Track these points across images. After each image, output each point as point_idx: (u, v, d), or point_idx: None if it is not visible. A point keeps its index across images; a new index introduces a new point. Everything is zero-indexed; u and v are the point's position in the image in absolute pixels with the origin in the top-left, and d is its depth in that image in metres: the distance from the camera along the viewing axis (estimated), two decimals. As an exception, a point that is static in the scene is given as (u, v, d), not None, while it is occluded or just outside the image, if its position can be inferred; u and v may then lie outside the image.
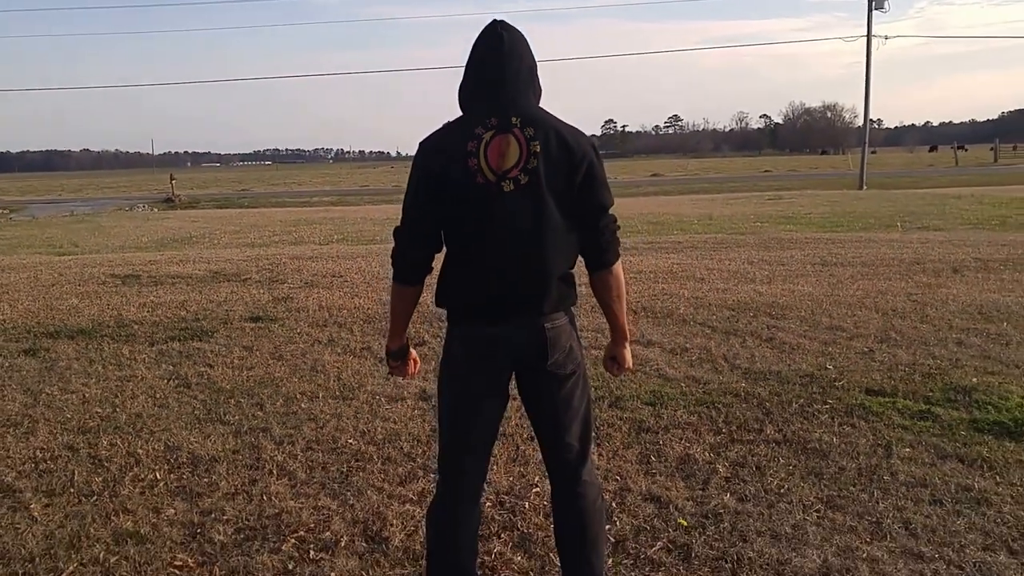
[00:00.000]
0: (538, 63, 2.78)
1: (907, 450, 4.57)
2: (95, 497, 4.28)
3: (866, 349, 6.64)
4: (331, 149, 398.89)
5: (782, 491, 4.12)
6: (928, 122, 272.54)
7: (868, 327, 7.36)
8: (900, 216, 20.05)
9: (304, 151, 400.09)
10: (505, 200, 2.62)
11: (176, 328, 7.84)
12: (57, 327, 7.96)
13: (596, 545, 2.93)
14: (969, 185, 35.49)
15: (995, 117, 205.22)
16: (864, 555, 3.48)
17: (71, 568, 3.58)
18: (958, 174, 51.25)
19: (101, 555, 3.68)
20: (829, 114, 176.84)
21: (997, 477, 4.21)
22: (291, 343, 7.24)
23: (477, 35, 2.74)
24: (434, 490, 3.04)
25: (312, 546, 3.74)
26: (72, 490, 4.37)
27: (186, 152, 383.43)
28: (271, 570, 3.55)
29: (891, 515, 3.82)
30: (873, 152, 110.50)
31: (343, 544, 3.74)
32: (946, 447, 4.59)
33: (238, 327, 7.86)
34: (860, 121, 45.96)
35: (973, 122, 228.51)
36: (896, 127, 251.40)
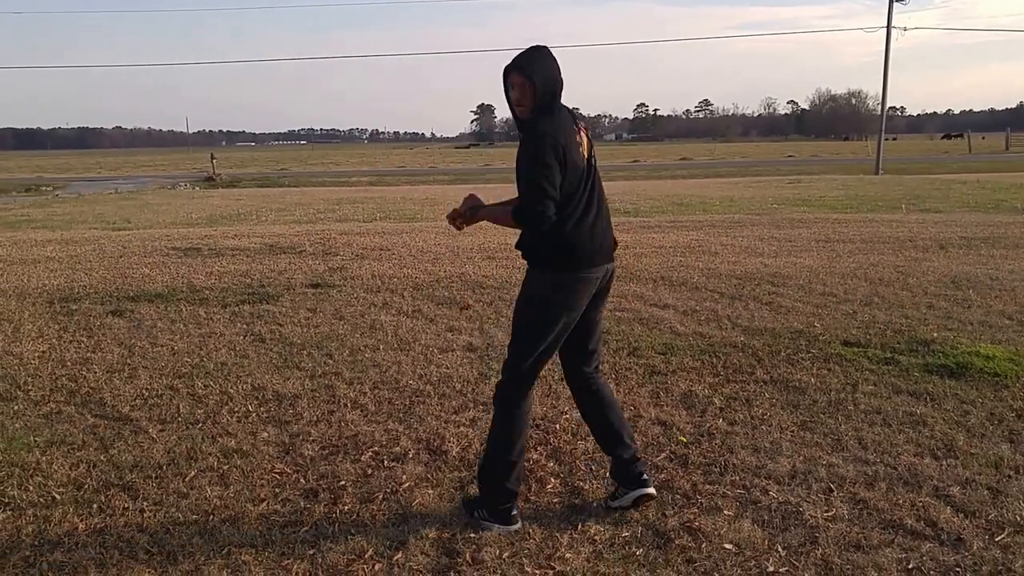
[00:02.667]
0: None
1: (870, 387, 5.52)
2: (200, 424, 5.07)
3: (851, 311, 7.57)
4: (365, 129, 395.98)
5: (765, 417, 5.04)
6: (949, 110, 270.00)
7: (856, 293, 8.31)
8: (906, 199, 20.71)
9: (339, 131, 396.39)
10: (590, 176, 3.68)
11: (244, 293, 8.69)
12: (136, 292, 8.79)
13: (615, 406, 4.03)
14: (978, 172, 35.78)
15: (1013, 106, 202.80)
16: (824, 462, 4.38)
17: (192, 473, 4.37)
18: (970, 161, 51.42)
19: (215, 464, 4.48)
20: (854, 101, 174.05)
21: (935, 405, 5.17)
22: (350, 306, 8.08)
23: (551, 59, 3.65)
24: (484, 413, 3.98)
25: (385, 457, 4.55)
26: (179, 419, 5.15)
27: (220, 131, 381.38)
28: (354, 475, 4.34)
29: (849, 434, 4.75)
30: (894, 139, 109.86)
31: (410, 456, 4.56)
32: (901, 384, 5.55)
33: (300, 292, 8.73)
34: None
35: (992, 111, 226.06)
36: (918, 115, 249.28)
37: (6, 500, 4.07)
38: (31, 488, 4.20)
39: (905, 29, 44.59)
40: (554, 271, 3.67)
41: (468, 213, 3.90)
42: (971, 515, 3.78)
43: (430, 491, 4.15)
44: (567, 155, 3.51)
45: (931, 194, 22.47)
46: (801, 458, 4.44)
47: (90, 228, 17.57)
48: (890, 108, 44.92)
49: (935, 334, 6.66)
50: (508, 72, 3.61)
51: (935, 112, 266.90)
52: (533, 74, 3.54)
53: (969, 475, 4.18)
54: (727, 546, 3.55)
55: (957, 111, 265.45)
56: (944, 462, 4.35)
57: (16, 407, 5.39)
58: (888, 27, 43.07)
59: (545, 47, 3.67)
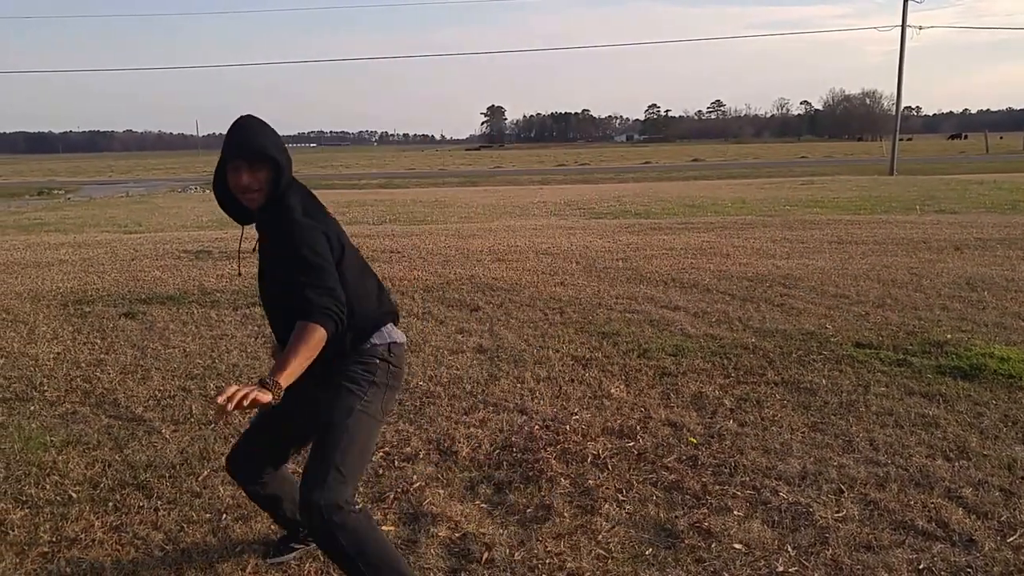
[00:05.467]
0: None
1: (882, 389, 5.50)
2: (212, 425, 5.09)
3: (863, 312, 7.54)
4: (375, 132, 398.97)
5: (775, 419, 5.04)
6: (966, 109, 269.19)
7: (868, 295, 8.28)
8: (921, 200, 20.56)
9: (348, 133, 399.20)
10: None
11: (255, 296, 8.59)
12: (148, 295, 8.81)
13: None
14: (995, 172, 35.48)
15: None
16: (835, 463, 4.38)
17: (205, 472, 4.42)
18: (987, 161, 51.10)
19: (227, 464, 4.58)
20: (868, 101, 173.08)
21: (948, 407, 5.16)
22: (361, 307, 8.04)
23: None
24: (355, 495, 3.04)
25: (396, 457, 4.58)
26: (192, 420, 5.20)
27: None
28: (365, 473, 4.29)
29: (861, 435, 4.74)
30: (909, 139, 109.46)
31: (421, 456, 4.59)
32: (913, 386, 5.53)
33: (312, 294, 8.70)
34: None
35: (1010, 110, 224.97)
36: (934, 114, 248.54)
37: (24, 498, 4.12)
38: (48, 487, 4.25)
39: (920, 28, 44.30)
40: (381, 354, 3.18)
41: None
42: (983, 516, 3.78)
43: (440, 491, 4.17)
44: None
45: (947, 195, 22.29)
46: (812, 459, 4.44)
47: (102, 231, 17.66)
48: (905, 108, 44.86)
49: (948, 335, 6.64)
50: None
51: (951, 112, 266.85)
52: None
53: (982, 476, 4.18)
54: (737, 546, 3.56)
55: (974, 110, 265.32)
56: (956, 464, 4.35)
57: (32, 407, 5.44)
58: (903, 26, 42.82)
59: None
